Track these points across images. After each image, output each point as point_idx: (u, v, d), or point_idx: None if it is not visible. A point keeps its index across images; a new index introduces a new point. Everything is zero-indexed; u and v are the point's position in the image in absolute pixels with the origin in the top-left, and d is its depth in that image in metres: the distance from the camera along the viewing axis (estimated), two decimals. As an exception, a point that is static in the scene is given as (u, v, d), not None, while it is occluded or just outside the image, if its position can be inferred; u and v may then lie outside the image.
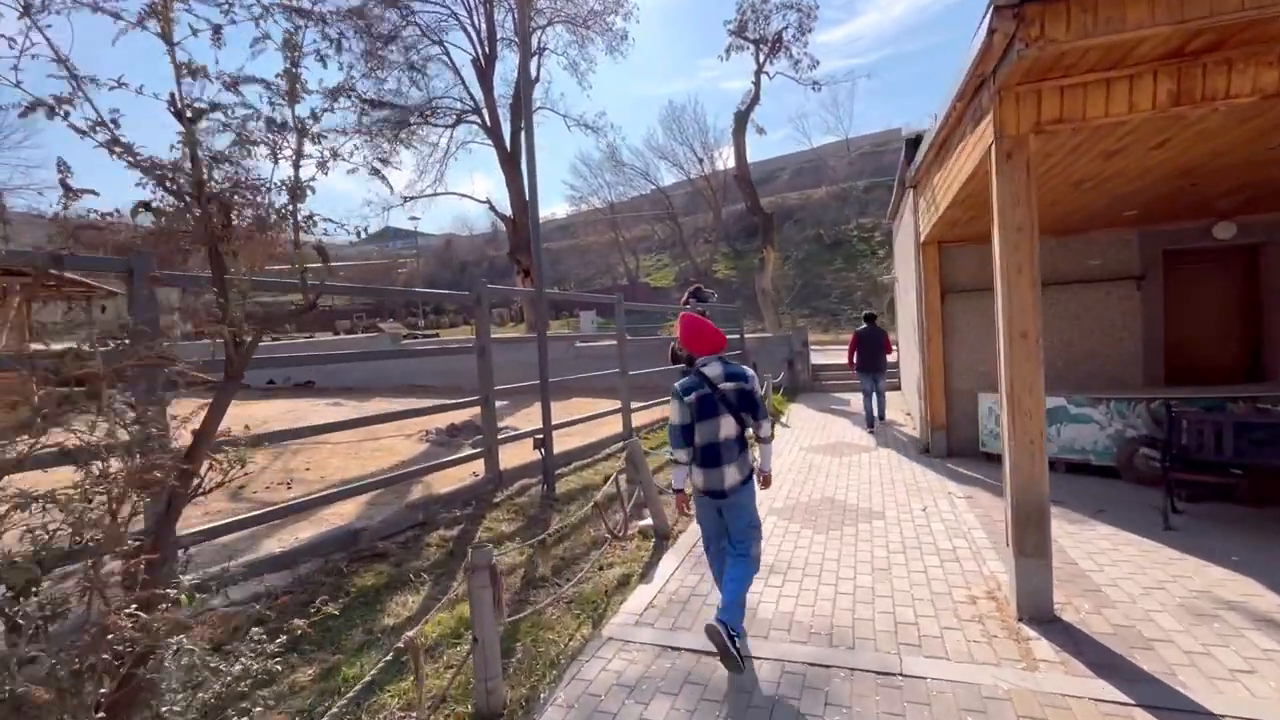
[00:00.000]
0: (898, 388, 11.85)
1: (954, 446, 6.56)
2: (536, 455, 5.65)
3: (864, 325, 8.75)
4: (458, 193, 18.16)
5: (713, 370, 2.88)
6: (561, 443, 7.36)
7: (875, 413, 8.47)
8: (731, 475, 2.86)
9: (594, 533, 4.65)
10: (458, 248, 63.06)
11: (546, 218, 59.76)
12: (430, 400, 5.91)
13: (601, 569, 3.96)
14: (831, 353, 15.87)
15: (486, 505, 5.13)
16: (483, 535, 4.52)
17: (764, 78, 14.88)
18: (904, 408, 10.15)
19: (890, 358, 9.07)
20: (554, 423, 6.78)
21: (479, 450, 5.63)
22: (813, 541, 4.26)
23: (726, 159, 37.82)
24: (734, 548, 2.95)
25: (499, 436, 6.13)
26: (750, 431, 2.97)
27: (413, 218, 29.61)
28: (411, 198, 17.12)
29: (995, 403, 5.97)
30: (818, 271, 35.83)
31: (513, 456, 6.34)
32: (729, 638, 2.59)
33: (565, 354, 14.16)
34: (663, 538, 4.46)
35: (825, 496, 5.36)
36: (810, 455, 7.04)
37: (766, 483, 3.06)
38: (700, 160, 38.99)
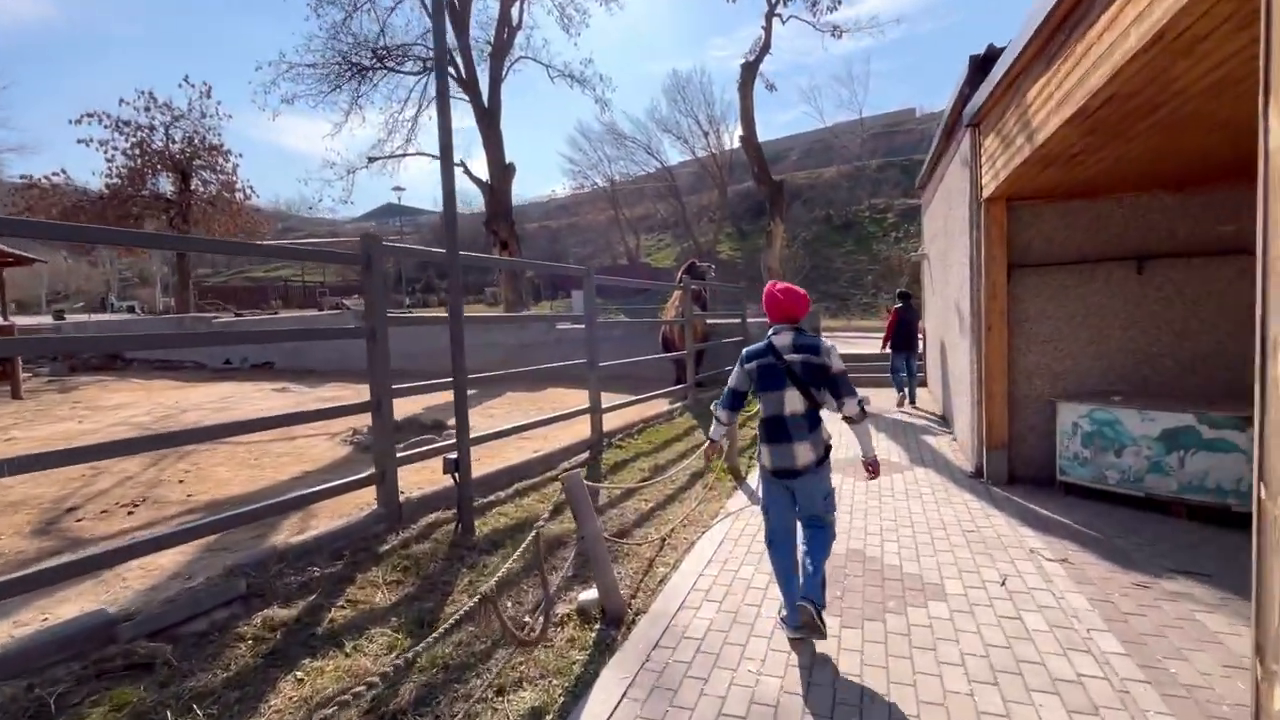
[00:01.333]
0: (923, 382, 10.25)
1: (1018, 470, 4.99)
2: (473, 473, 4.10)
3: (900, 304, 8.84)
4: (429, 154, 16.16)
5: (781, 340, 2.73)
6: (506, 454, 5.82)
7: (907, 391, 8.87)
8: (804, 454, 2.68)
9: (515, 605, 3.13)
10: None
11: (546, 197, 57.84)
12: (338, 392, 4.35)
13: (501, 693, 2.43)
14: (843, 341, 14.16)
15: (368, 556, 3.59)
16: (339, 615, 2.98)
17: (776, 21, 13.14)
18: (932, 407, 8.59)
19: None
20: (505, 427, 5.25)
21: (370, 474, 4.07)
22: (841, 645, 2.71)
23: (734, 134, 35.83)
24: (809, 522, 2.80)
25: (409, 450, 4.59)
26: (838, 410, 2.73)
27: (397, 188, 27.86)
28: (377, 158, 15.42)
29: (1088, 416, 4.39)
30: (826, 254, 34.02)
31: (429, 476, 4.82)
32: (817, 613, 2.56)
33: (544, 337, 12.58)
34: (613, 623, 2.93)
35: (850, 549, 3.81)
36: None
37: (873, 471, 2.82)
38: (705, 134, 37.00)
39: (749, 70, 12.02)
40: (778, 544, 2.84)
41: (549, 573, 3.23)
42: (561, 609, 3.07)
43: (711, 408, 3.00)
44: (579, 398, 9.46)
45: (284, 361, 15.40)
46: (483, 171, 13.36)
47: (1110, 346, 4.77)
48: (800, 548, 2.78)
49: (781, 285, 2.84)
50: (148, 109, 17.49)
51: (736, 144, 13.30)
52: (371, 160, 15.28)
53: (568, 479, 3.11)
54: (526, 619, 3.00)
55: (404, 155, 15.19)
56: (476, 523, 4.07)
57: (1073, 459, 4.53)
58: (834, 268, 33.06)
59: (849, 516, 4.38)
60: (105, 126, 16.71)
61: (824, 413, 2.75)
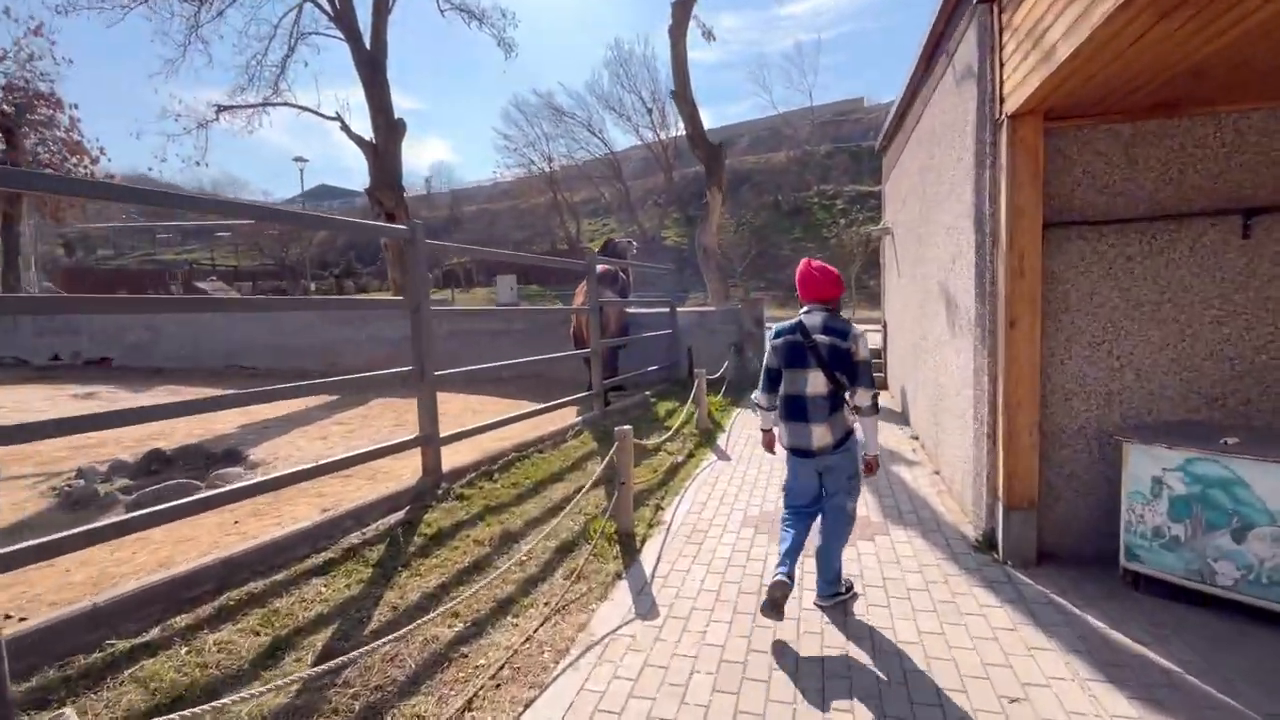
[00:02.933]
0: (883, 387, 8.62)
1: (1049, 540, 3.24)
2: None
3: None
4: (297, 104, 13.55)
5: (811, 320, 2.71)
6: (297, 508, 3.73)
7: None
8: (820, 435, 2.68)
9: None
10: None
11: (491, 180, 54.62)
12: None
13: None
14: None
15: None
16: None
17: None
18: (890, 404, 6.95)
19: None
20: (277, 475, 3.15)
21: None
22: None
23: (678, 121, 33.74)
24: (828, 503, 2.82)
25: (134, 509, 2.47)
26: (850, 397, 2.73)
27: (299, 159, 24.55)
28: (229, 107, 12.63)
29: (1181, 470, 2.65)
30: (775, 240, 32.64)
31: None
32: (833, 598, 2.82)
33: (436, 329, 10.34)
34: None
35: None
36: (756, 541, 3.67)
37: (871, 469, 2.78)
38: (649, 110, 34.98)
39: (682, 9, 10.07)
40: (792, 517, 2.87)
41: None
42: None
43: (752, 397, 3.20)
44: (468, 404, 7.39)
45: (126, 357, 12.65)
46: (366, 129, 11.00)
47: (1196, 350, 3.06)
48: (815, 539, 2.84)
49: (817, 263, 2.84)
50: (-47, 46, 14.14)
51: (684, 128, 11.21)
52: (222, 109, 12.51)
53: None
54: None
55: (267, 105, 12.51)
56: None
57: (1150, 537, 2.79)
58: (782, 255, 31.69)
59: (787, 633, 2.52)
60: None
61: None
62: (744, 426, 6.66)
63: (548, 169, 38.73)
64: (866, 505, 4.19)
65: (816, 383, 2.65)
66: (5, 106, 15.16)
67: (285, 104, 12.33)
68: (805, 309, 2.76)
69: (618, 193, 40.39)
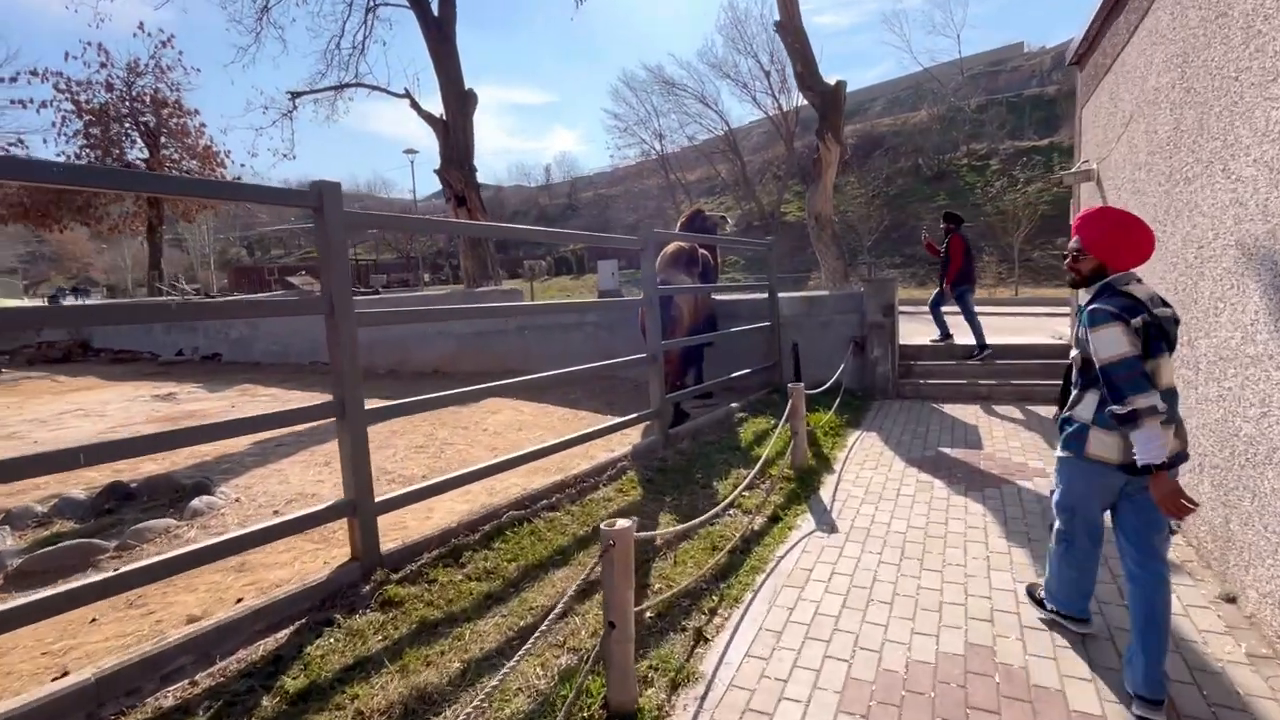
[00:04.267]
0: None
1: None
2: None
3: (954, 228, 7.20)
4: (367, 84, 13.12)
5: (1144, 290, 2.01)
6: (181, 597, 2.52)
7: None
8: (1172, 442, 1.93)
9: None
10: (508, 198, 59.51)
11: (610, 167, 54.14)
12: None
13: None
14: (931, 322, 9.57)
15: None
16: None
17: None
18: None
19: None
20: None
21: None
22: None
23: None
24: (1145, 563, 2.05)
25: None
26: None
27: (409, 150, 25.03)
28: (302, 93, 12.30)
29: None
30: (914, 209, 28.59)
31: None
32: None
33: (504, 325, 9.25)
34: None
35: None
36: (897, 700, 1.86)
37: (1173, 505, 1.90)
38: (767, 73, 32.09)
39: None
40: (1079, 549, 2.30)
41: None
42: None
43: (1141, 403, 1.85)
44: (520, 416, 6.11)
45: (231, 352, 13.01)
46: (437, 105, 10.10)
47: None
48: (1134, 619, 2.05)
49: (1126, 217, 2.12)
50: (103, 65, 15.35)
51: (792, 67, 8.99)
52: (295, 96, 12.23)
53: None
54: None
55: (341, 87, 12.01)
56: None
57: None
58: (920, 226, 27.73)
59: None
60: (58, 88, 14.69)
61: None
62: (864, 462, 4.68)
63: (658, 147, 37.13)
64: (1058, 664, 2.18)
65: (1170, 373, 2.00)
66: (149, 118, 16.26)
67: (358, 84, 11.88)
68: (1122, 278, 2.06)
69: (734, 169, 37.91)
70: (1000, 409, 6.10)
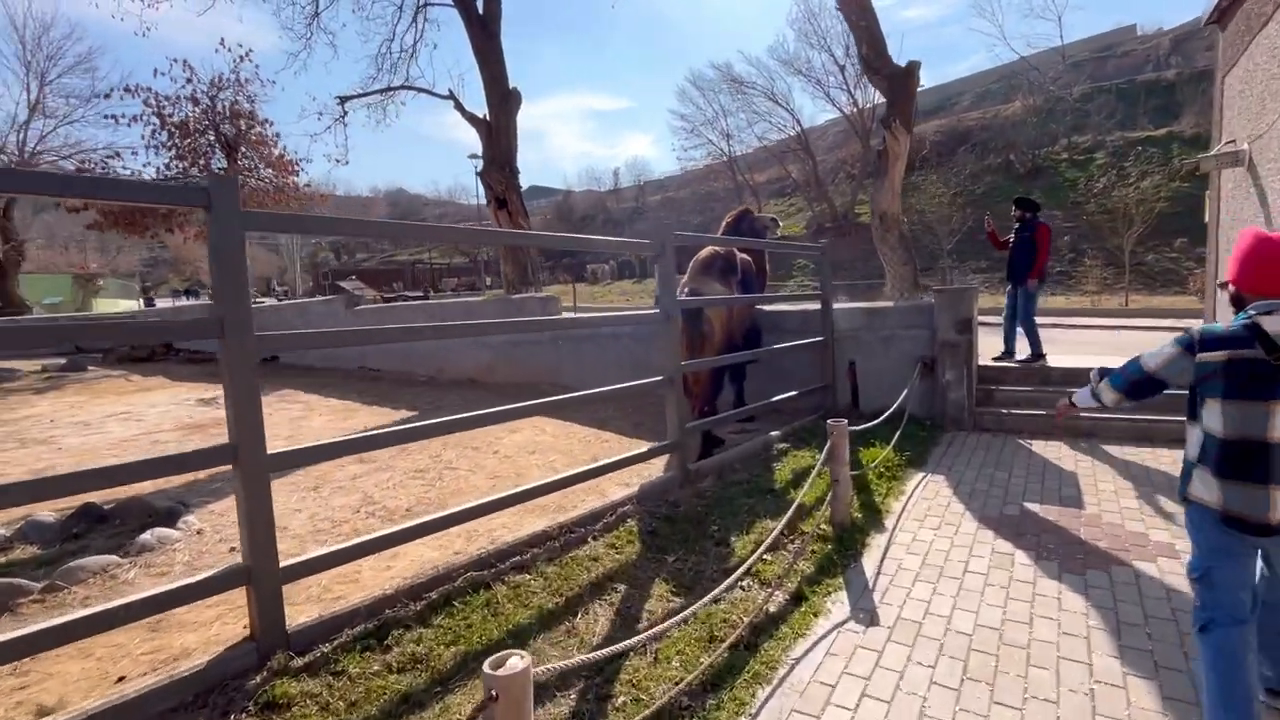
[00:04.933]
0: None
1: None
2: None
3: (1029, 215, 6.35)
4: (414, 87, 13.01)
5: (1276, 324, 1.72)
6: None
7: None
8: None
9: None
10: (576, 202, 60.10)
11: (680, 169, 53.64)
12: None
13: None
14: (1057, 336, 7.91)
15: None
16: None
17: None
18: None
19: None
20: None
21: None
22: None
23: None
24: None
25: None
26: None
27: (473, 155, 25.22)
28: (350, 97, 12.32)
29: None
30: (1003, 209, 26.21)
31: None
32: None
33: (539, 335, 8.78)
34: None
35: None
36: None
37: None
38: (842, 68, 30.49)
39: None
40: (1220, 631, 1.77)
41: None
42: None
43: (1094, 378, 2.17)
44: (539, 436, 5.57)
45: (289, 355, 13.28)
46: (481, 106, 9.78)
47: None
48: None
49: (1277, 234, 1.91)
50: (189, 80, 16.22)
51: (855, 46, 7.95)
52: (344, 100, 12.28)
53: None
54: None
55: (386, 90, 11.97)
56: None
57: None
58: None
59: None
60: (147, 104, 15.63)
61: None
62: (925, 518, 3.78)
63: (725, 147, 36.12)
64: None
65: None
66: (228, 129, 17.05)
67: (405, 87, 11.82)
68: (1263, 305, 1.80)
69: (805, 168, 36.34)
70: (1110, 449, 4.96)
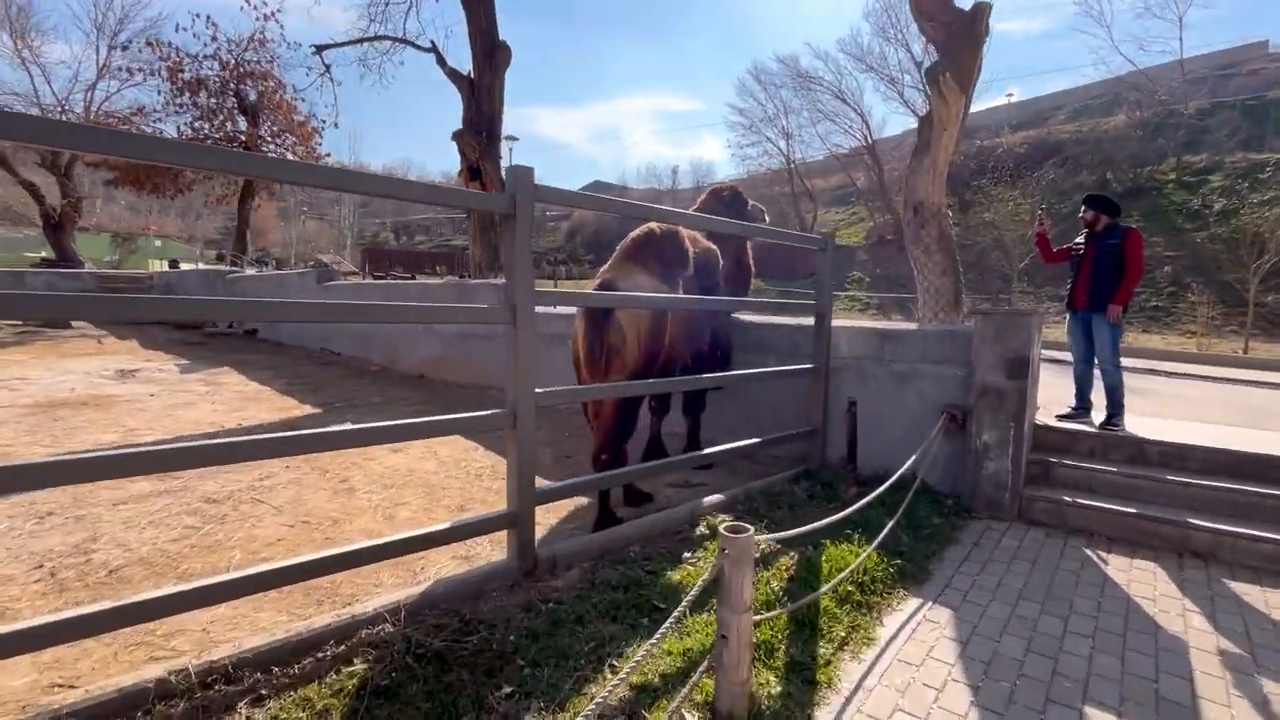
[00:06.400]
0: None
1: None
2: None
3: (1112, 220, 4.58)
4: (388, 36, 11.77)
5: None
6: None
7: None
8: None
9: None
10: (633, 199, 59.00)
11: (746, 173, 51.62)
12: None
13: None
14: (1164, 394, 5.88)
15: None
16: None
17: None
18: None
19: None
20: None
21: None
22: None
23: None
24: None
25: None
26: None
27: (509, 137, 24.20)
28: (326, 46, 11.12)
29: None
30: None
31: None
32: None
33: (491, 327, 7.34)
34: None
35: None
36: None
37: None
38: (919, 64, 27.93)
39: None
40: None
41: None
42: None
43: None
44: (419, 463, 3.80)
45: (266, 330, 12.44)
46: (466, 61, 8.45)
47: None
48: None
49: None
50: (213, 38, 15.70)
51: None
52: (320, 50, 11.11)
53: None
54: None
55: (363, 39, 10.74)
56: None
57: None
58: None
59: None
60: (162, 57, 15.18)
61: None
62: (896, 708, 2.08)
63: (783, 145, 33.95)
64: None
65: None
66: (252, 92, 16.46)
67: (382, 37, 10.64)
68: None
69: (871, 177, 33.77)
70: (1239, 588, 3.07)
